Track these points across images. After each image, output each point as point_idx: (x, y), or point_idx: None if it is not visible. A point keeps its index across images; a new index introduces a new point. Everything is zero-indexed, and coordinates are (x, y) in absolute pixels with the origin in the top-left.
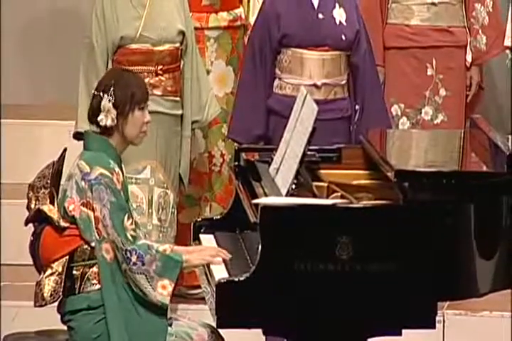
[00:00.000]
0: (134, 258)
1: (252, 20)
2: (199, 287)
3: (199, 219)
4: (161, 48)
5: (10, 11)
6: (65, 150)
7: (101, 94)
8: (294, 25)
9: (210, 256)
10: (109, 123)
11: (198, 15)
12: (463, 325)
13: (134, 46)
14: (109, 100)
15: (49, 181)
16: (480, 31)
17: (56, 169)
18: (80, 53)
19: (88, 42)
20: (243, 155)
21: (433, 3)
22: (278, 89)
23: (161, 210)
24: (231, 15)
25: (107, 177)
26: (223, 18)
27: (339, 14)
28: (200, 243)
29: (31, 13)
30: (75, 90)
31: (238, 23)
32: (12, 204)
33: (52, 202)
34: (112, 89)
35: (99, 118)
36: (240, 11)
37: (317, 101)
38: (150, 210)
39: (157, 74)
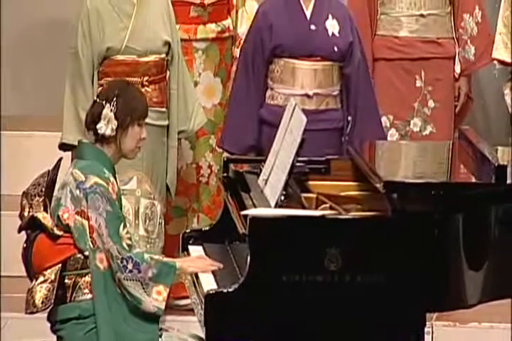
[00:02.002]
0: (130, 266)
1: (240, 31)
2: (187, 298)
3: (188, 231)
4: (146, 59)
5: None
6: (60, 159)
7: (103, 102)
8: (286, 35)
9: (204, 265)
10: (108, 132)
11: (186, 27)
12: (452, 336)
13: (119, 57)
14: (111, 110)
15: (43, 189)
16: (468, 42)
17: (51, 178)
18: (64, 64)
19: (73, 53)
20: (232, 166)
21: (421, 15)
22: (270, 100)
23: (148, 221)
24: (219, 26)
25: (103, 187)
26: (211, 29)
27: (332, 25)
28: (188, 254)
29: (17, 24)
30: (62, 101)
31: (226, 34)
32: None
33: (45, 210)
34: (115, 99)
35: (98, 126)
36: (228, 22)
37: (309, 111)
38: (136, 221)
39: (143, 86)
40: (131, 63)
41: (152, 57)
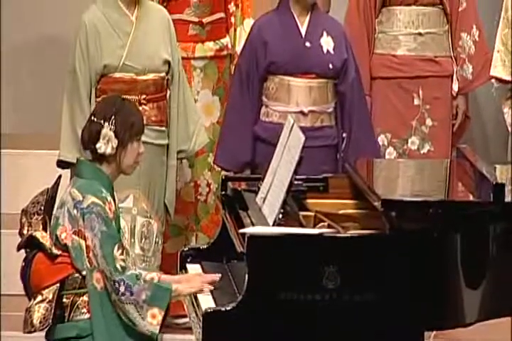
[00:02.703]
0: (122, 289)
1: (238, 49)
2: (185, 316)
3: (185, 249)
4: (144, 77)
5: None
6: (59, 177)
7: (101, 121)
8: (281, 53)
9: (200, 284)
10: (108, 151)
11: (184, 45)
12: None
13: (117, 75)
14: (111, 129)
15: (42, 208)
16: (466, 60)
17: (50, 196)
18: (61, 81)
19: (71, 70)
20: (230, 184)
21: (419, 34)
22: (265, 117)
23: (143, 239)
24: (217, 44)
25: (99, 206)
26: (209, 47)
27: (327, 43)
28: (186, 272)
29: (15, 41)
30: (59, 119)
31: (225, 52)
32: None
33: (44, 229)
34: (113, 117)
35: (97, 146)
36: (226, 40)
37: (304, 129)
38: (132, 239)
39: (141, 104)
40: (129, 81)
41: (151, 76)
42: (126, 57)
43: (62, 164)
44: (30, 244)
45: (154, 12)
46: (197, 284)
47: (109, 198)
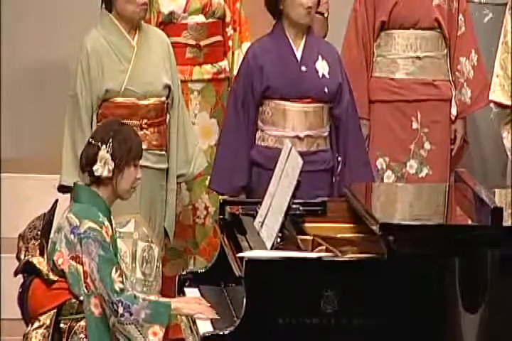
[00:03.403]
0: (120, 310)
1: (236, 73)
2: (183, 340)
3: (184, 273)
4: (146, 102)
5: None
6: (56, 201)
7: (99, 144)
8: (276, 77)
9: (199, 308)
10: (105, 174)
11: (182, 68)
12: None
13: (118, 100)
14: (108, 151)
15: (39, 232)
16: (465, 84)
17: (47, 221)
18: (64, 106)
19: (73, 94)
20: (228, 208)
21: (418, 57)
22: (260, 141)
23: (145, 264)
24: (215, 67)
25: (96, 231)
26: (207, 70)
27: (322, 67)
28: (184, 296)
29: (15, 65)
30: (59, 144)
31: (222, 75)
32: None
33: (42, 254)
34: (110, 140)
35: (94, 168)
36: (224, 63)
37: (300, 153)
38: (133, 264)
39: (142, 128)
40: (131, 106)
41: (152, 100)
42: (127, 82)
43: (63, 189)
44: (27, 270)
45: (154, 36)
46: (196, 307)
47: (106, 222)
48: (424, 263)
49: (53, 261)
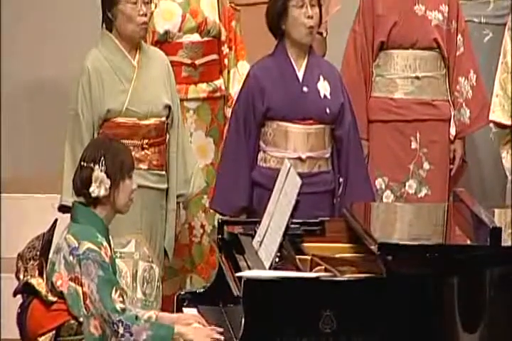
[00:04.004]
0: (121, 330)
1: (232, 91)
2: None
3: (182, 293)
4: (146, 122)
5: None
6: (55, 221)
7: (91, 165)
8: (278, 98)
9: (207, 336)
10: (102, 193)
11: (177, 87)
12: None
13: (120, 120)
14: (102, 170)
15: (38, 253)
16: (464, 104)
17: (46, 240)
18: (63, 125)
19: (74, 114)
20: (226, 227)
21: (417, 77)
22: (262, 162)
23: (145, 284)
24: (210, 86)
25: (95, 252)
26: (202, 89)
27: (323, 87)
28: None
29: (15, 85)
30: (58, 163)
31: (218, 94)
32: None
33: (41, 274)
34: (102, 159)
35: (91, 190)
36: (219, 82)
37: (301, 175)
38: (134, 284)
39: (143, 148)
40: (132, 126)
41: (152, 120)
42: (129, 102)
43: (64, 208)
44: (26, 290)
45: (155, 56)
46: (202, 332)
47: (105, 243)
48: (423, 282)
49: (52, 282)
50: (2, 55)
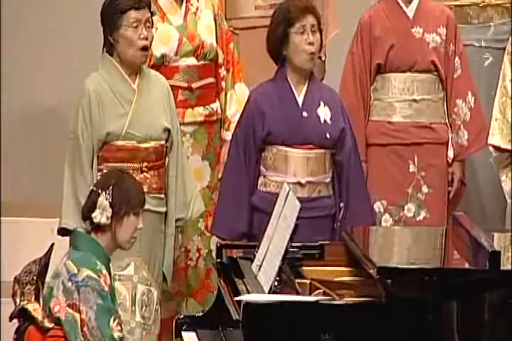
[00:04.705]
0: None
1: (229, 113)
2: None
3: (181, 316)
4: (146, 145)
5: None
6: (52, 246)
7: (99, 191)
8: (278, 123)
9: None
10: (103, 220)
11: None
12: None
13: (119, 143)
14: (106, 198)
15: (35, 277)
16: (462, 127)
17: (43, 265)
18: (61, 150)
19: (73, 137)
20: (225, 251)
21: (414, 100)
22: (262, 187)
23: (144, 307)
24: (207, 109)
25: (94, 280)
26: (199, 113)
27: (324, 112)
28: (182, 340)
29: (13, 109)
30: (57, 187)
31: (214, 117)
32: None
33: (37, 298)
34: (110, 188)
35: (93, 215)
36: (216, 105)
37: (301, 199)
38: (133, 307)
39: (142, 172)
40: (131, 149)
41: (152, 143)
42: (128, 126)
43: (63, 231)
44: (22, 315)
45: (155, 80)
46: None
47: (104, 271)
48: (422, 306)
49: (49, 307)
50: (2, 81)
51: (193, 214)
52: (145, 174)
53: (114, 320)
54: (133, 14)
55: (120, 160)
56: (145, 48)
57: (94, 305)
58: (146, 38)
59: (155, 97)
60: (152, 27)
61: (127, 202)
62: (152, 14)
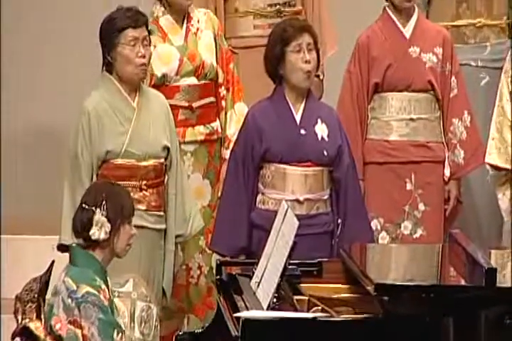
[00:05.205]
0: None
1: (229, 132)
2: None
3: (180, 333)
4: (145, 163)
5: None
6: (52, 263)
7: (93, 208)
8: (276, 140)
9: None
10: (102, 236)
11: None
12: None
13: (118, 161)
14: (103, 214)
15: (36, 295)
16: (458, 146)
17: (43, 283)
18: (60, 168)
19: (73, 155)
20: (224, 268)
21: (411, 119)
22: (261, 204)
23: (143, 324)
24: (208, 128)
25: (94, 296)
26: (200, 132)
27: (321, 130)
28: None
29: (8, 127)
30: (57, 205)
31: (215, 136)
32: None
33: (39, 316)
34: (104, 203)
35: (91, 232)
36: (216, 124)
37: (299, 217)
38: (132, 324)
39: (141, 190)
40: (130, 167)
41: (151, 162)
42: (128, 144)
43: (62, 248)
44: (24, 334)
45: (154, 98)
46: None
47: (103, 286)
48: (419, 322)
49: (51, 325)
50: (2, 101)
51: (193, 230)
52: (144, 192)
53: (117, 334)
54: (130, 32)
55: (119, 178)
56: (143, 65)
57: (96, 321)
58: (144, 56)
59: (154, 115)
60: (150, 45)
61: (121, 212)
62: (150, 33)
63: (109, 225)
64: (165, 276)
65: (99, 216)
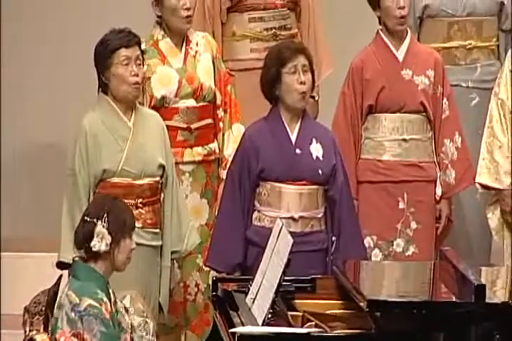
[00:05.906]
0: None
1: (226, 153)
2: None
3: None
4: (141, 182)
5: None
6: (60, 277)
7: (94, 220)
8: (272, 159)
9: None
10: (103, 248)
11: (173, 150)
12: None
13: (115, 180)
14: (104, 226)
15: (44, 308)
16: (449, 166)
17: (51, 296)
18: (59, 186)
19: (71, 174)
20: (220, 285)
21: (404, 140)
22: (257, 221)
23: (140, 339)
24: (206, 149)
25: (96, 309)
26: (198, 152)
27: (316, 149)
28: None
29: (7, 146)
30: (56, 222)
31: (212, 157)
32: None
33: (46, 328)
34: (105, 215)
35: (92, 244)
36: (214, 145)
37: (294, 234)
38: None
39: (137, 207)
40: (126, 186)
41: (147, 180)
42: (124, 162)
43: (61, 265)
44: None
45: (150, 117)
46: None
47: (105, 298)
48: (411, 338)
49: (55, 338)
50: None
51: (188, 246)
52: (140, 210)
53: None
54: (123, 52)
55: (116, 197)
56: (136, 84)
57: (97, 333)
58: (137, 75)
59: (150, 134)
60: (143, 64)
61: (123, 226)
62: (143, 52)
63: (109, 237)
64: (161, 292)
65: (100, 228)
